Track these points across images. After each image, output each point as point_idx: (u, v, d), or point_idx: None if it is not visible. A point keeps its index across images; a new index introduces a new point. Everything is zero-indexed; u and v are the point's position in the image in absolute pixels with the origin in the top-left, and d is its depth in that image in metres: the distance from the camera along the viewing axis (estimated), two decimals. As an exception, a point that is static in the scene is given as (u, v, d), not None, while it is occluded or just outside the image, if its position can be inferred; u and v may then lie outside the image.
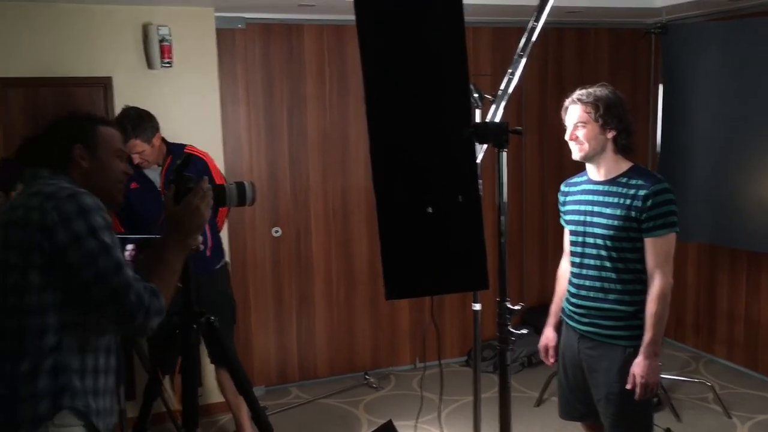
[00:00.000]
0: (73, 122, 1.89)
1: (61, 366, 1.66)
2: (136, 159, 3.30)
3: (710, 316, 4.95)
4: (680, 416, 3.99)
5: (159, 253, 1.83)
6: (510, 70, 2.77)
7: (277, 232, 4.49)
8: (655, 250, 2.39)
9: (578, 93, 2.49)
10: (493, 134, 2.04)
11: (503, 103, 2.81)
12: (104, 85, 3.82)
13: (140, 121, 3.30)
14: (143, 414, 2.25)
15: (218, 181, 3.34)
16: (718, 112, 4.26)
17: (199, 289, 3.44)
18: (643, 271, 2.44)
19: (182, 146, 3.50)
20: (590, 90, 2.47)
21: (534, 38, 2.63)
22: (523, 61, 2.79)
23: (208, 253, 3.53)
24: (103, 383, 1.75)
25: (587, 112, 2.45)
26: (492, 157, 3.38)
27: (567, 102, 2.52)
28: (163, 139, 3.46)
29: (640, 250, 2.43)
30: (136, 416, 2.32)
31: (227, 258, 3.82)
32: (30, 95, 3.74)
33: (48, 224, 1.63)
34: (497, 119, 2.82)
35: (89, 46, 3.78)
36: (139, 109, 3.37)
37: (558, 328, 2.78)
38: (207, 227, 3.50)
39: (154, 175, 3.43)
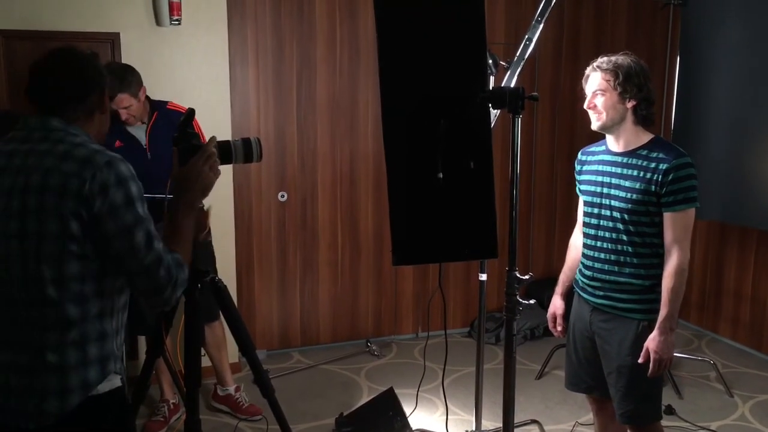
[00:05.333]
0: (97, 65, 1.78)
1: (105, 333, 1.69)
2: (124, 115, 3.20)
3: (716, 295, 4.92)
4: (682, 393, 3.99)
5: (172, 220, 1.79)
6: (527, 36, 2.71)
7: (283, 196, 4.46)
8: (675, 225, 2.35)
9: (599, 60, 2.43)
10: (509, 99, 1.99)
11: (519, 70, 2.76)
12: (112, 41, 3.76)
13: (125, 75, 3.17)
14: (145, 373, 2.25)
15: (202, 140, 3.29)
16: (736, 88, 4.18)
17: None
18: (659, 246, 2.40)
19: (165, 103, 3.44)
20: (611, 58, 2.41)
21: (553, 3, 2.57)
22: (541, 26, 2.74)
23: None
24: (121, 339, 1.78)
25: (606, 80, 2.38)
26: (501, 127, 3.33)
27: (588, 70, 2.46)
28: (146, 96, 3.39)
29: (658, 225, 2.38)
30: (138, 375, 2.33)
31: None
32: (37, 49, 3.66)
33: (86, 193, 1.59)
34: (512, 85, 2.78)
35: (98, 1, 3.71)
36: (120, 62, 3.30)
37: (566, 297, 2.75)
38: None
39: (139, 132, 3.35)
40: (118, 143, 3.32)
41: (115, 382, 1.73)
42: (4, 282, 1.63)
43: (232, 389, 3.77)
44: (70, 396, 1.64)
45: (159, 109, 3.38)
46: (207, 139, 1.97)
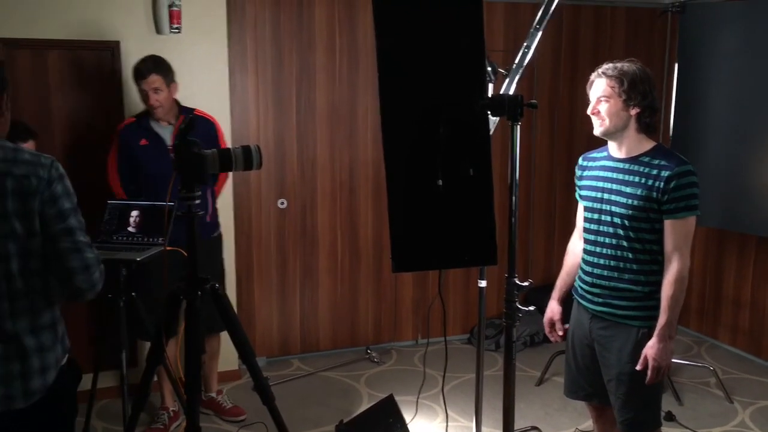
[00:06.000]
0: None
1: (60, 315, 1.92)
2: (152, 98, 3.33)
3: (715, 301, 4.93)
4: (682, 400, 3.98)
5: None
6: (526, 44, 2.72)
7: (282, 204, 4.47)
8: (675, 233, 2.35)
9: (605, 66, 2.42)
10: (508, 106, 2.00)
11: (517, 77, 2.77)
12: (112, 49, 3.78)
13: (162, 61, 3.39)
14: (145, 380, 2.26)
15: (222, 146, 3.36)
16: (734, 95, 4.19)
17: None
18: (659, 252, 2.40)
19: (192, 109, 3.57)
20: (617, 64, 2.40)
21: (551, 11, 2.58)
22: (539, 34, 2.75)
23: (207, 218, 3.57)
24: None
25: (611, 87, 2.38)
26: (500, 135, 3.33)
27: (593, 76, 2.46)
28: (176, 100, 3.51)
29: (659, 231, 2.38)
30: (138, 383, 2.33)
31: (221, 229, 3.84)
32: (37, 57, 3.70)
33: (38, 189, 1.77)
34: (511, 93, 2.79)
35: (98, 10, 3.72)
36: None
37: (563, 302, 2.75)
38: (208, 194, 3.56)
39: (165, 133, 3.45)
40: (143, 141, 3.43)
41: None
42: None
43: (214, 393, 3.84)
44: (48, 373, 1.85)
45: (186, 113, 3.50)
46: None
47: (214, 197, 3.69)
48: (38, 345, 1.82)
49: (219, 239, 3.76)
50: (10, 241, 1.75)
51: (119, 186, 3.51)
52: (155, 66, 3.33)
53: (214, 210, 3.68)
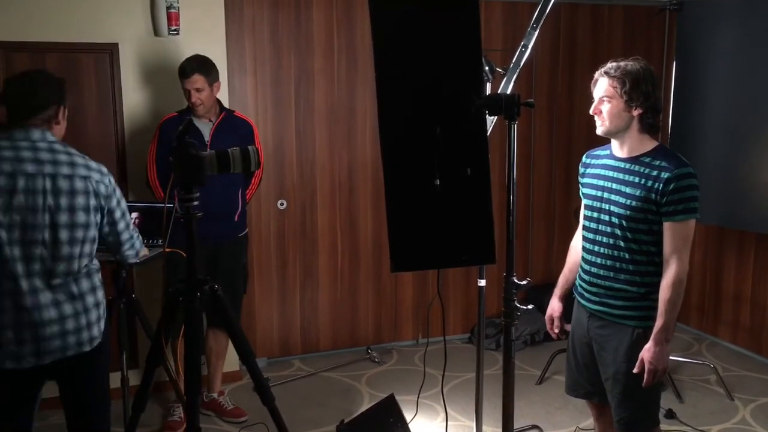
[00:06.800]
0: (61, 83, 2.35)
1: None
2: (194, 96, 3.45)
3: (715, 299, 4.93)
4: (682, 397, 3.99)
5: None
6: (523, 43, 2.73)
7: (282, 204, 4.47)
8: (674, 235, 2.32)
9: (608, 65, 2.40)
10: (505, 106, 2.00)
11: (515, 76, 2.77)
12: (110, 51, 3.78)
13: (206, 61, 3.53)
14: (145, 381, 2.26)
15: (260, 157, 3.44)
16: (732, 93, 4.20)
17: (218, 255, 3.57)
18: (657, 254, 2.38)
19: (232, 111, 3.72)
20: (620, 63, 2.37)
21: (548, 9, 2.58)
22: (536, 33, 2.75)
23: (236, 218, 3.62)
24: None
25: (613, 87, 2.36)
26: (499, 134, 3.33)
27: (597, 74, 2.43)
28: (218, 100, 3.62)
29: (657, 233, 2.36)
30: (138, 384, 2.34)
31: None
32: (36, 60, 3.70)
33: (109, 193, 2.37)
34: (508, 92, 2.79)
35: (96, 12, 3.73)
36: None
37: (565, 299, 2.75)
38: (239, 194, 3.59)
39: (205, 129, 3.53)
40: None
41: None
42: (44, 260, 2.25)
43: (216, 394, 3.84)
44: (101, 321, 2.41)
45: (226, 112, 3.64)
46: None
47: (244, 198, 3.74)
48: (95, 301, 2.38)
49: (245, 238, 3.84)
50: (80, 229, 2.28)
51: (156, 179, 3.57)
52: (198, 66, 3.46)
53: (243, 210, 3.73)
